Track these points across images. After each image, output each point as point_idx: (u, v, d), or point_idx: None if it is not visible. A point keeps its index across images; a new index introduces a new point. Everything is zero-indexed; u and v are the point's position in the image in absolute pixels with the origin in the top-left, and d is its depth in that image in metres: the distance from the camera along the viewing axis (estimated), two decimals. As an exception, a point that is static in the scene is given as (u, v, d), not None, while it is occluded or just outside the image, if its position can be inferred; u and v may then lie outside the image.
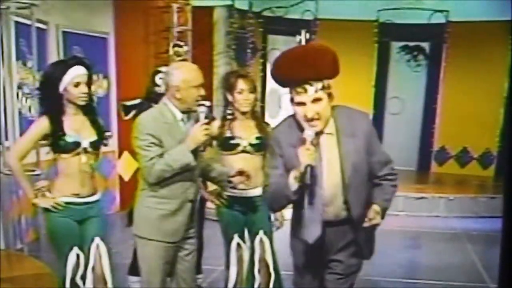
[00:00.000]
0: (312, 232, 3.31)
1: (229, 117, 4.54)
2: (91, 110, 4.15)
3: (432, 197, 9.60)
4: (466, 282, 6.17)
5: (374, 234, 3.54)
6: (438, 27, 11.50)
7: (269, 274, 4.55)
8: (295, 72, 3.15)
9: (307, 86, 3.12)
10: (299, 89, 3.14)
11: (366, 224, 3.29)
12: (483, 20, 10.70)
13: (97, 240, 4.13)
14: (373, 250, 3.57)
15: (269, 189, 3.40)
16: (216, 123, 4.56)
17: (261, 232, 4.53)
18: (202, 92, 3.81)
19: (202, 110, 3.79)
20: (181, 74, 3.80)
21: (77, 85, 3.96)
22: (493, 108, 10.92)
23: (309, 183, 3.15)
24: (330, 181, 3.27)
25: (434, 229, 8.66)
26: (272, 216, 4.66)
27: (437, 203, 9.52)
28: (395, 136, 11.87)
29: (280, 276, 4.60)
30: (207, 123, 3.80)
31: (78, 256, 4.07)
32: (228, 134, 4.50)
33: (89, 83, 4.06)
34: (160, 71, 5.27)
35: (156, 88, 5.23)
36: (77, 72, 3.97)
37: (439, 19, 11.42)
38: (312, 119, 3.15)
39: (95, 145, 4.11)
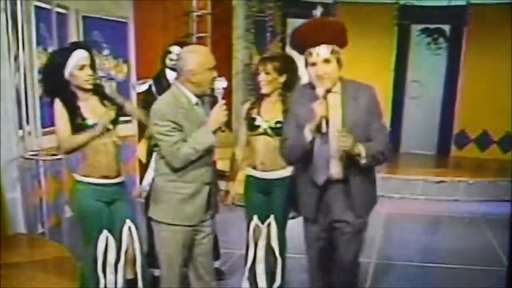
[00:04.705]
0: (321, 176, 3.75)
1: (258, 98, 4.64)
2: (99, 89, 4.18)
3: (452, 181, 9.54)
4: (486, 266, 6.15)
5: (373, 196, 3.96)
6: (458, 9, 11.37)
7: (275, 259, 4.61)
8: (309, 36, 3.68)
9: (318, 48, 3.61)
10: (311, 50, 3.62)
11: (335, 140, 3.57)
12: (504, 2, 10.54)
13: (128, 222, 4.18)
14: (370, 210, 3.94)
15: (287, 143, 3.81)
16: (246, 105, 4.68)
17: (271, 217, 4.57)
18: (215, 74, 3.87)
19: (219, 91, 3.88)
20: (196, 57, 3.81)
21: (82, 68, 4.01)
22: (514, 91, 10.80)
23: (324, 132, 3.58)
24: (333, 134, 3.63)
25: (454, 213, 8.63)
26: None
27: (456, 187, 9.47)
28: (414, 120, 11.84)
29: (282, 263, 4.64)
30: (225, 104, 3.85)
31: (107, 238, 4.11)
32: (253, 115, 4.57)
33: (93, 66, 4.11)
34: (170, 51, 5.26)
35: (166, 69, 5.25)
36: (80, 55, 4.02)
37: (459, 1, 11.30)
38: (322, 77, 3.60)
39: (115, 122, 4.18)
